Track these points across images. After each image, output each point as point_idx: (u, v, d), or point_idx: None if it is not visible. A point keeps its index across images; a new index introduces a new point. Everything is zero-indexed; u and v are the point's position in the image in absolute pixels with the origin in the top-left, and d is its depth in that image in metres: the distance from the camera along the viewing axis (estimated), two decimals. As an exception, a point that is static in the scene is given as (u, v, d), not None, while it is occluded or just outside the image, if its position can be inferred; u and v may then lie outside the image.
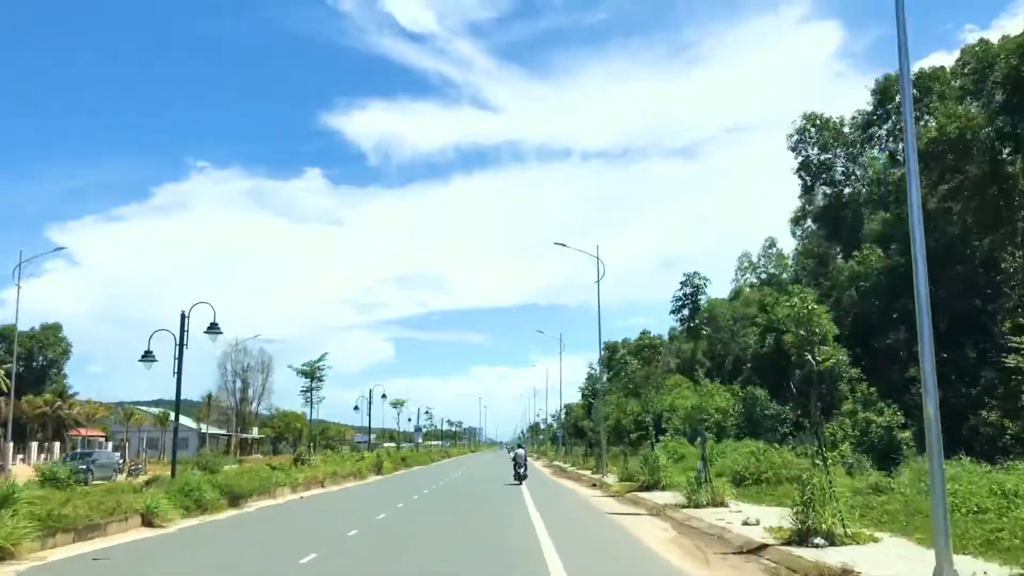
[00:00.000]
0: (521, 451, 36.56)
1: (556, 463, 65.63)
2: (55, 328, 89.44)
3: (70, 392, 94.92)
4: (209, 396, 69.61)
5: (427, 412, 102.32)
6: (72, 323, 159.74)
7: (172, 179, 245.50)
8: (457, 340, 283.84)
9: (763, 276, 58.55)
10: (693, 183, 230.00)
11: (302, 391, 38.85)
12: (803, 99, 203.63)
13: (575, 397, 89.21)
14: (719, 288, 76.99)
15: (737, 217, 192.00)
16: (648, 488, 25.27)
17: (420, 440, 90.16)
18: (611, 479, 32.66)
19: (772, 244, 58.44)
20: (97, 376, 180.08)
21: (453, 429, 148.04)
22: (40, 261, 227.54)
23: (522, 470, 34.35)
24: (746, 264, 58.63)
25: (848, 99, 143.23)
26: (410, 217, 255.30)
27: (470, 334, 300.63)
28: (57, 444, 55.20)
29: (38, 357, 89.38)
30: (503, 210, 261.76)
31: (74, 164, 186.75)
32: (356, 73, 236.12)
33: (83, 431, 60.43)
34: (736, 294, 69.44)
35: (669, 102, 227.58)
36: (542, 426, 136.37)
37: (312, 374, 39.75)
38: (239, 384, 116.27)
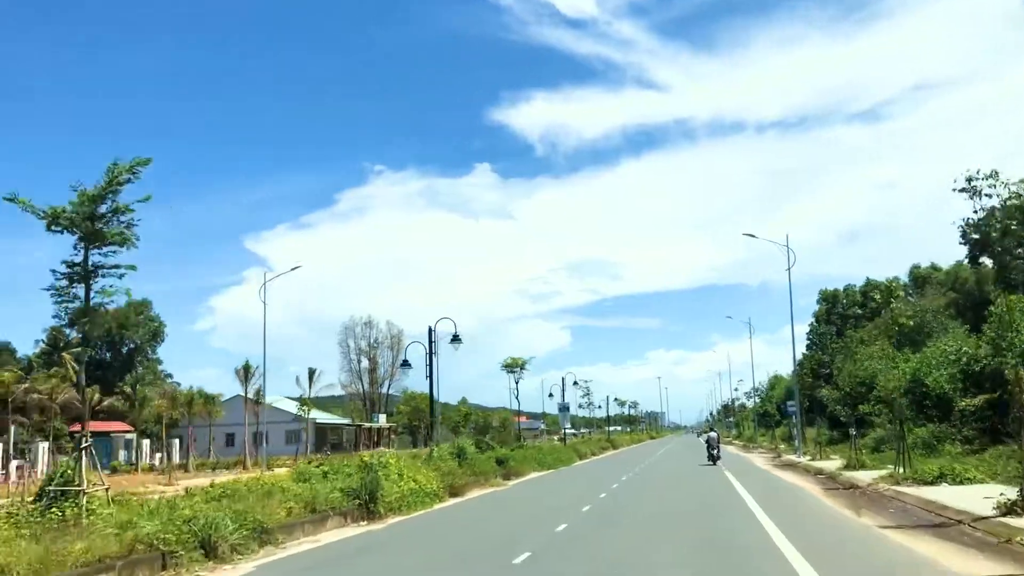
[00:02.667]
0: (714, 434, 40.95)
1: (790, 458, 40.81)
2: (143, 305, 75.69)
3: (170, 380, 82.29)
4: (246, 365, 51.48)
5: (578, 383, 71.69)
6: (272, 327, 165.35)
7: (353, 184, 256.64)
8: (632, 325, 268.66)
9: None
10: (878, 147, 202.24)
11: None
12: (989, 50, 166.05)
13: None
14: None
15: (929, 179, 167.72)
16: None
17: (568, 425, 63.90)
18: None
19: None
20: (292, 376, 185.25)
21: (627, 412, 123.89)
22: (240, 268, 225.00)
23: (715, 451, 38.26)
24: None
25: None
26: (579, 205, 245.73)
27: (644, 319, 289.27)
28: (43, 444, 39.09)
29: (126, 341, 76.03)
30: (674, 190, 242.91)
31: (265, 178, 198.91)
32: (519, 65, 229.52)
33: (94, 424, 43.67)
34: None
35: (845, 64, 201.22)
36: (740, 402, 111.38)
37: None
38: (365, 364, 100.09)
